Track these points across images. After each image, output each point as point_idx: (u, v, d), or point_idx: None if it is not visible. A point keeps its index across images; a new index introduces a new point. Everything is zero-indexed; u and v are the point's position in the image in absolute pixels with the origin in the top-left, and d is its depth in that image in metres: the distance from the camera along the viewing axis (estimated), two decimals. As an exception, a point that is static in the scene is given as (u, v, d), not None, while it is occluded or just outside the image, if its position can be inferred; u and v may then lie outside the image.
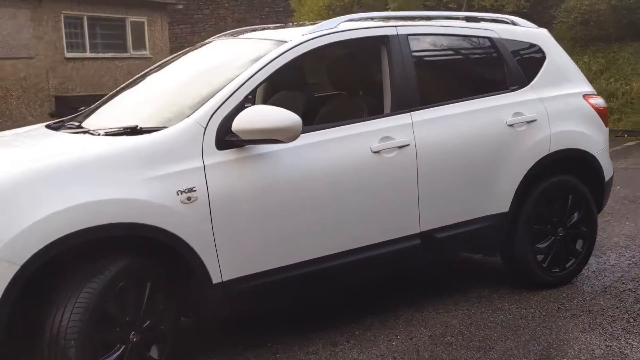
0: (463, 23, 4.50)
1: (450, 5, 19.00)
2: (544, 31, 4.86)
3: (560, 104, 4.56)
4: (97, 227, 2.96)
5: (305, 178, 3.53)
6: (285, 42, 3.73)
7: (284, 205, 3.47)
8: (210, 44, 4.57)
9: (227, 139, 3.33)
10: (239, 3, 23.82)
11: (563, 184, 4.55)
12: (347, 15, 4.06)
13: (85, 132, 3.67)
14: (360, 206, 3.72)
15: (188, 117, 3.35)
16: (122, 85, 4.55)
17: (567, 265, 4.61)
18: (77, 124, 3.95)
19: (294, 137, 3.32)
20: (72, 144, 3.50)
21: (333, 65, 4.44)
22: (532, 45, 4.67)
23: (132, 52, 17.23)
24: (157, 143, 3.23)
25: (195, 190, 3.20)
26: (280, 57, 3.62)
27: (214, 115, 3.34)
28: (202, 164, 3.25)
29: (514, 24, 4.76)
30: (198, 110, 3.37)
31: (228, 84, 3.49)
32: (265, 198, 3.41)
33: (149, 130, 3.36)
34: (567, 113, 4.58)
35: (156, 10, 17.70)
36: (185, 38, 24.63)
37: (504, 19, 4.78)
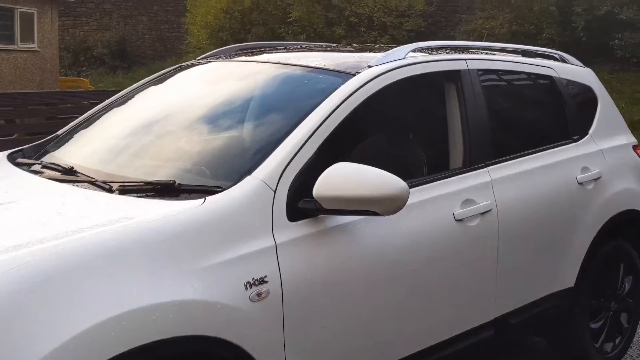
0: (523, 58, 3.77)
1: (351, 20, 18.71)
2: (590, 70, 4.22)
3: (618, 158, 3.93)
4: (141, 348, 1.93)
5: (391, 259, 2.62)
6: (351, 74, 2.80)
7: (368, 297, 2.56)
8: (208, 64, 3.51)
9: (300, 206, 2.39)
10: (126, -2, 22.57)
11: (618, 251, 3.92)
12: (413, 44, 3.18)
13: (83, 182, 2.52)
14: (444, 291, 2.88)
15: (248, 173, 2.37)
16: (99, 107, 3.42)
17: (615, 344, 3.99)
18: (64, 166, 2.70)
19: (396, 210, 2.40)
20: (75, 207, 2.33)
21: (385, 102, 3.43)
22: (585, 87, 4.00)
23: (19, 45, 15.36)
24: (215, 212, 2.22)
25: (267, 282, 2.23)
26: (354, 94, 2.67)
27: (284, 174, 2.39)
28: (274, 243, 2.29)
29: (563, 60, 4.07)
30: (262, 166, 2.38)
31: (292, 129, 2.51)
32: (346, 288, 2.48)
33: (192, 190, 2.36)
34: (625, 168, 3.95)
35: (47, 2, 15.92)
36: (67, 31, 22.94)
37: (553, 54, 4.10)
